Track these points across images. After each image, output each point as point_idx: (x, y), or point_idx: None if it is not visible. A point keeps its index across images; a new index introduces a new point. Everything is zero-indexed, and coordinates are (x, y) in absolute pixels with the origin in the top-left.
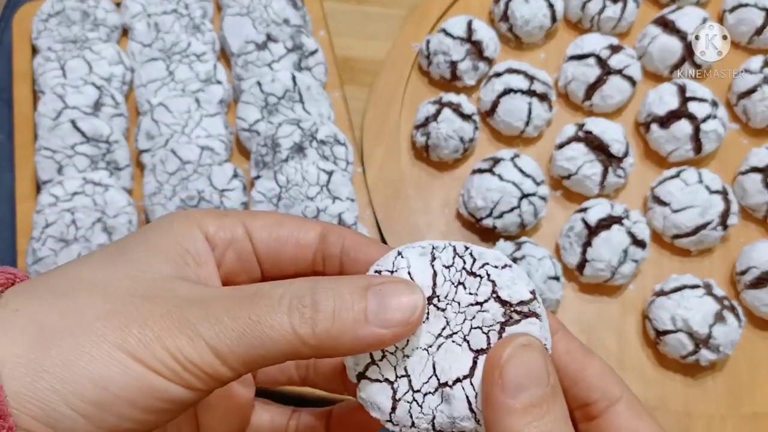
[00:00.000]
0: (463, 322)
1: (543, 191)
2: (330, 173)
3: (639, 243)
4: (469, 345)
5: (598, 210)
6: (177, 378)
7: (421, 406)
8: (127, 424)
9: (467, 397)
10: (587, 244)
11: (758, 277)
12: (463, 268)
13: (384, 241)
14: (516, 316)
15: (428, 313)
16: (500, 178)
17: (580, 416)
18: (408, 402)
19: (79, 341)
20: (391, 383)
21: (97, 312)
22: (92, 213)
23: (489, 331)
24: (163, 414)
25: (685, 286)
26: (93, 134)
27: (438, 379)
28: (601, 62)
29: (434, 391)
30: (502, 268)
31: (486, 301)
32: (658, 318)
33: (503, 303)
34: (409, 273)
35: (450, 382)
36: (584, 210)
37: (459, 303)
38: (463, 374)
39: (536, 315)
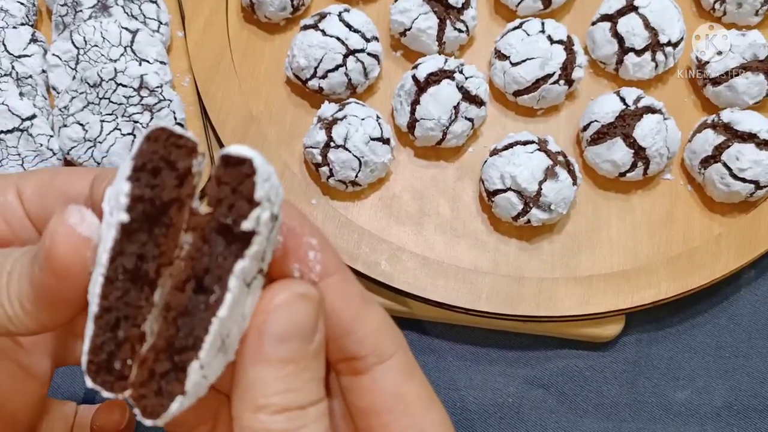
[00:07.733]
0: None
1: (374, 48)
2: (134, 32)
3: (472, 99)
4: None
5: (429, 65)
6: None
7: None
8: None
9: None
10: (416, 102)
11: (598, 131)
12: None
13: (205, 112)
14: None
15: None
16: (323, 33)
17: (344, 369)
18: None
19: None
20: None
21: None
22: None
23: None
24: None
25: (517, 143)
26: None
27: None
28: None
29: None
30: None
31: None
32: (489, 178)
33: None
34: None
35: None
36: (416, 66)
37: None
38: None
39: None
